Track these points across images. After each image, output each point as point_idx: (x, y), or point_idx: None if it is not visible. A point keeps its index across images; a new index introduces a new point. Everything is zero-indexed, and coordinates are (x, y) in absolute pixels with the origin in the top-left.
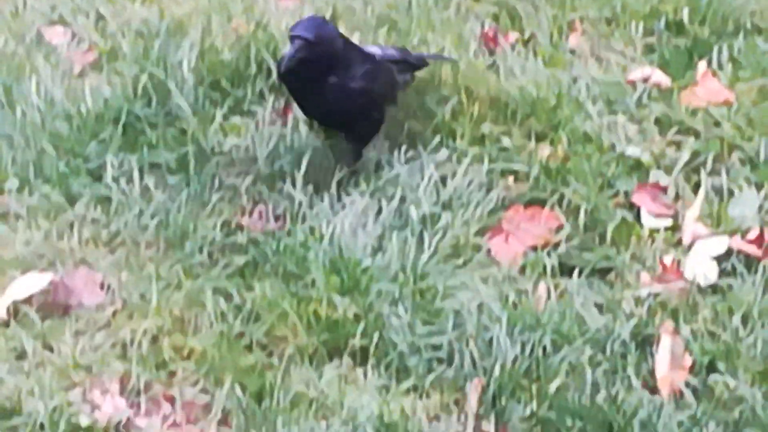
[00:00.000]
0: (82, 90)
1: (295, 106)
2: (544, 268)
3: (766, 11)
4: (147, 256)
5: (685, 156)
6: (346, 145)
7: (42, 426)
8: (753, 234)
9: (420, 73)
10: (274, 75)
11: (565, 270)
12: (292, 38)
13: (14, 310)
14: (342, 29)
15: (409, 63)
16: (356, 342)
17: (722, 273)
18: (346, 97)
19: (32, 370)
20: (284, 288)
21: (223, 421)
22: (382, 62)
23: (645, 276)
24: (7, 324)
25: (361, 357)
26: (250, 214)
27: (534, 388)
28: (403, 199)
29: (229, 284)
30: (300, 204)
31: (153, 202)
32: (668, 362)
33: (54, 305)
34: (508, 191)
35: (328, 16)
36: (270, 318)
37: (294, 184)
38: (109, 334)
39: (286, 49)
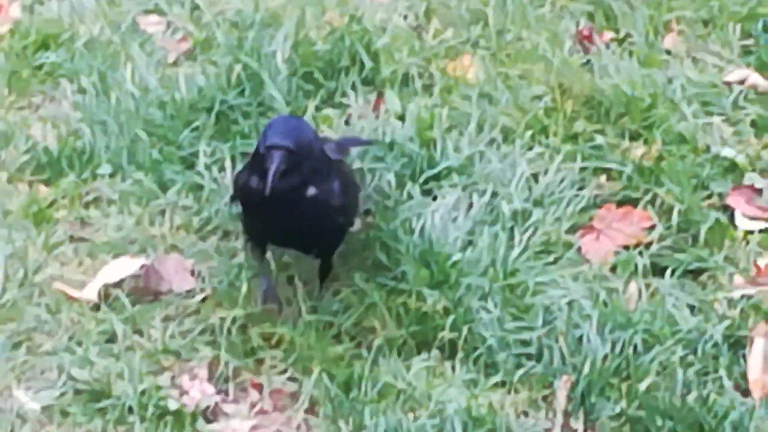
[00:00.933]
0: (176, 78)
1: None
2: (636, 267)
3: None
4: (237, 245)
5: None
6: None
7: (131, 409)
8: None
9: (515, 71)
10: (230, 192)
11: (657, 270)
12: (269, 149)
13: (105, 294)
14: (436, 24)
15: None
16: (445, 335)
17: None
18: (324, 214)
19: (122, 354)
20: (374, 279)
21: (311, 409)
22: (348, 168)
23: (738, 278)
24: (98, 307)
25: (449, 350)
26: None
27: (624, 386)
28: (494, 195)
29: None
30: (391, 196)
31: None
32: (761, 365)
33: (144, 290)
34: (601, 190)
35: (421, 12)
36: (359, 309)
37: (385, 177)
38: (198, 320)
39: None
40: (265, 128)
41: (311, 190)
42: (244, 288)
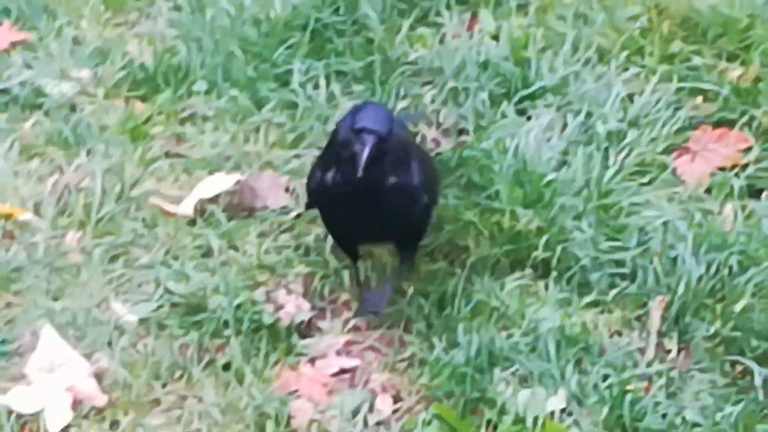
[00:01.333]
0: None
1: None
2: (732, 188)
3: None
4: None
5: None
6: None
7: (226, 323)
8: None
9: None
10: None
11: (753, 192)
12: (360, 132)
13: (201, 209)
14: None
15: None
16: (539, 254)
17: None
18: (408, 197)
19: (218, 268)
20: (467, 198)
21: (405, 326)
22: (416, 144)
23: None
24: (193, 222)
25: (543, 269)
26: (435, 125)
27: (718, 307)
28: (589, 115)
29: None
30: (485, 116)
31: (338, 108)
32: None
33: (239, 206)
34: (697, 110)
35: None
36: (453, 227)
37: (479, 97)
38: (293, 236)
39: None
40: (349, 113)
41: (392, 179)
42: None
